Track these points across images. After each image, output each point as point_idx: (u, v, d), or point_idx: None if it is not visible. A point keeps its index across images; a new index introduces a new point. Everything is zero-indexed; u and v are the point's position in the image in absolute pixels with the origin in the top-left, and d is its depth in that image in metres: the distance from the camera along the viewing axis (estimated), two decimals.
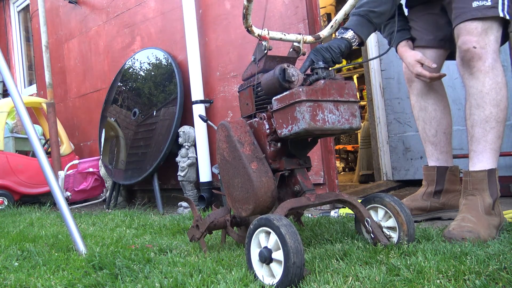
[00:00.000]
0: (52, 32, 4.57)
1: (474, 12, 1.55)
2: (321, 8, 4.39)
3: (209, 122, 2.09)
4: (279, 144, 1.37)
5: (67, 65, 4.51)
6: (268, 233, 1.16)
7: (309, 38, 1.45)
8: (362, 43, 1.56)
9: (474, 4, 1.55)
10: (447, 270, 1.09)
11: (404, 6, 1.95)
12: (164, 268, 1.34)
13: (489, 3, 1.54)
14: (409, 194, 2.03)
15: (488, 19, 1.55)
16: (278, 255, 1.11)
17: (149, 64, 3.36)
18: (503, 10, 1.54)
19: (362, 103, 4.58)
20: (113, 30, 3.90)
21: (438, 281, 1.03)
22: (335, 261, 1.26)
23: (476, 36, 1.54)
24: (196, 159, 2.99)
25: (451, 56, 1.85)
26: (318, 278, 1.12)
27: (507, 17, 1.55)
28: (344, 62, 5.38)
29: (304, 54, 1.45)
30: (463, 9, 1.58)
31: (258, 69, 1.41)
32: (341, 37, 1.50)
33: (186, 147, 2.99)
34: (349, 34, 1.51)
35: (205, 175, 2.94)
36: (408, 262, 1.16)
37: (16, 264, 1.57)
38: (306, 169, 1.43)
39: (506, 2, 1.55)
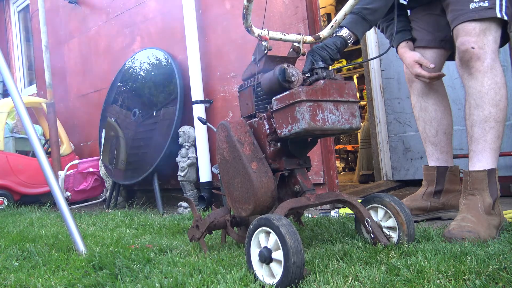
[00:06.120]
0: (52, 32, 4.57)
1: (471, 14, 1.55)
2: (321, 8, 4.40)
3: (208, 124, 2.09)
4: (279, 144, 1.37)
5: (67, 65, 4.50)
6: (268, 233, 1.16)
7: (309, 38, 1.45)
8: (358, 40, 1.56)
9: (471, 5, 1.55)
10: (447, 270, 1.09)
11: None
12: (164, 268, 1.34)
13: (486, 4, 1.53)
14: (409, 194, 2.03)
15: (486, 20, 1.54)
16: (278, 255, 1.11)
17: (149, 64, 3.36)
18: (500, 11, 1.53)
19: (362, 103, 4.58)
20: (113, 30, 3.90)
21: (438, 281, 1.03)
22: (335, 261, 1.26)
23: (474, 37, 1.54)
24: (196, 159, 2.99)
25: (452, 57, 1.85)
26: (318, 278, 1.12)
27: (505, 18, 1.55)
28: (344, 62, 5.38)
29: (304, 55, 1.45)
30: (460, 11, 1.58)
31: (258, 69, 1.41)
32: (336, 35, 1.51)
33: (186, 147, 2.99)
34: (344, 31, 1.51)
35: (205, 175, 2.94)
36: (408, 262, 1.16)
37: (16, 264, 1.57)
38: (306, 169, 1.43)
39: (504, 3, 1.54)
